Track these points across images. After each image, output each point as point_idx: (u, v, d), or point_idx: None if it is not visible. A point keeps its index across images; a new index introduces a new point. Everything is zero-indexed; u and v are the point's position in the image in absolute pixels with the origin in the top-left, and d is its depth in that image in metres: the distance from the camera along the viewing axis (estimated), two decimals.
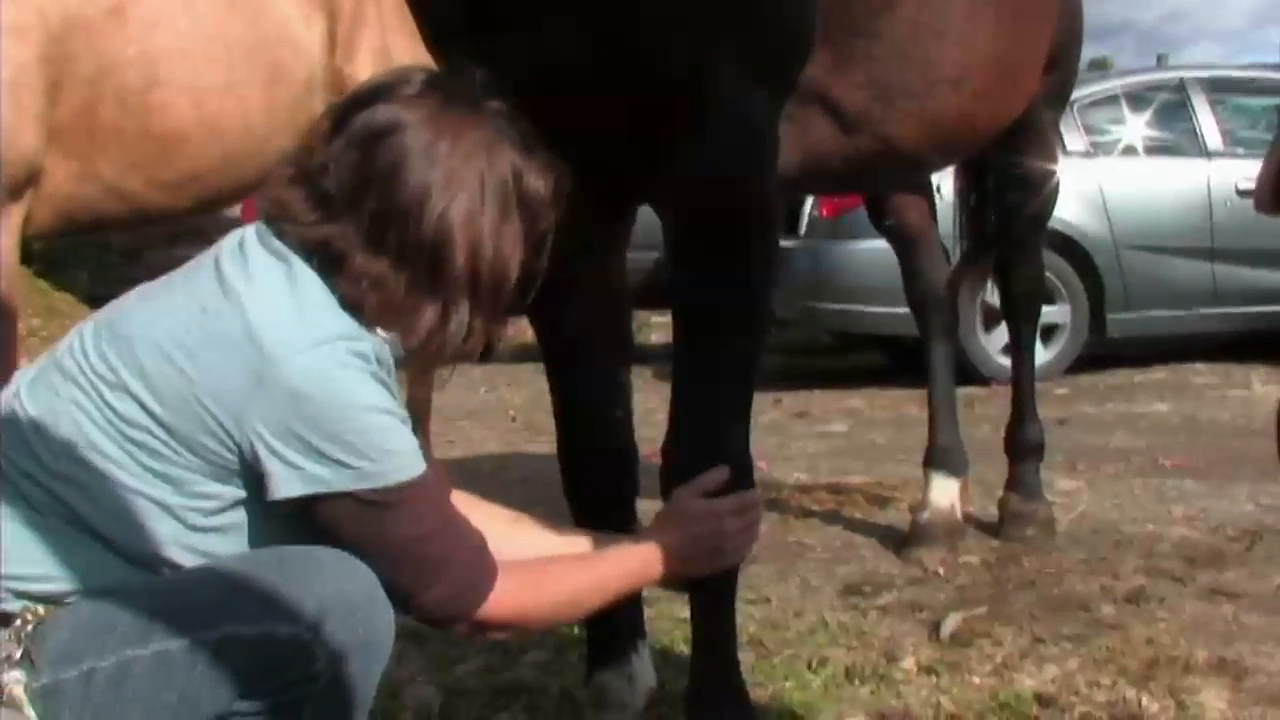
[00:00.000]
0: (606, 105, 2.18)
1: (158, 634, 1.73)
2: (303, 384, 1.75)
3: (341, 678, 1.79)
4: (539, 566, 2.00)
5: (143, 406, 1.77)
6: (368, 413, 1.79)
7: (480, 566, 1.89)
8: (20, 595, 1.76)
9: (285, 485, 1.77)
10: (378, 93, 1.88)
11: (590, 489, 2.61)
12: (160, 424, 1.77)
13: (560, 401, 2.63)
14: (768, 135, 2.33)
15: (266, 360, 1.74)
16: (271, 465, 1.76)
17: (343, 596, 1.78)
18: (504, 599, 1.90)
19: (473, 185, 1.84)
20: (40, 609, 1.76)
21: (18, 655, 1.71)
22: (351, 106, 1.89)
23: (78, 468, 1.78)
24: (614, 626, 2.66)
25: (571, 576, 2.04)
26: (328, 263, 1.82)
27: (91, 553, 1.79)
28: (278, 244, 1.84)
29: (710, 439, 2.31)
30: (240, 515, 1.83)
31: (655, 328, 9.89)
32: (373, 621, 1.81)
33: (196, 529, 1.81)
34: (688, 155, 2.21)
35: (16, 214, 3.33)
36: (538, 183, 1.90)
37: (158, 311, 1.85)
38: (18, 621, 1.74)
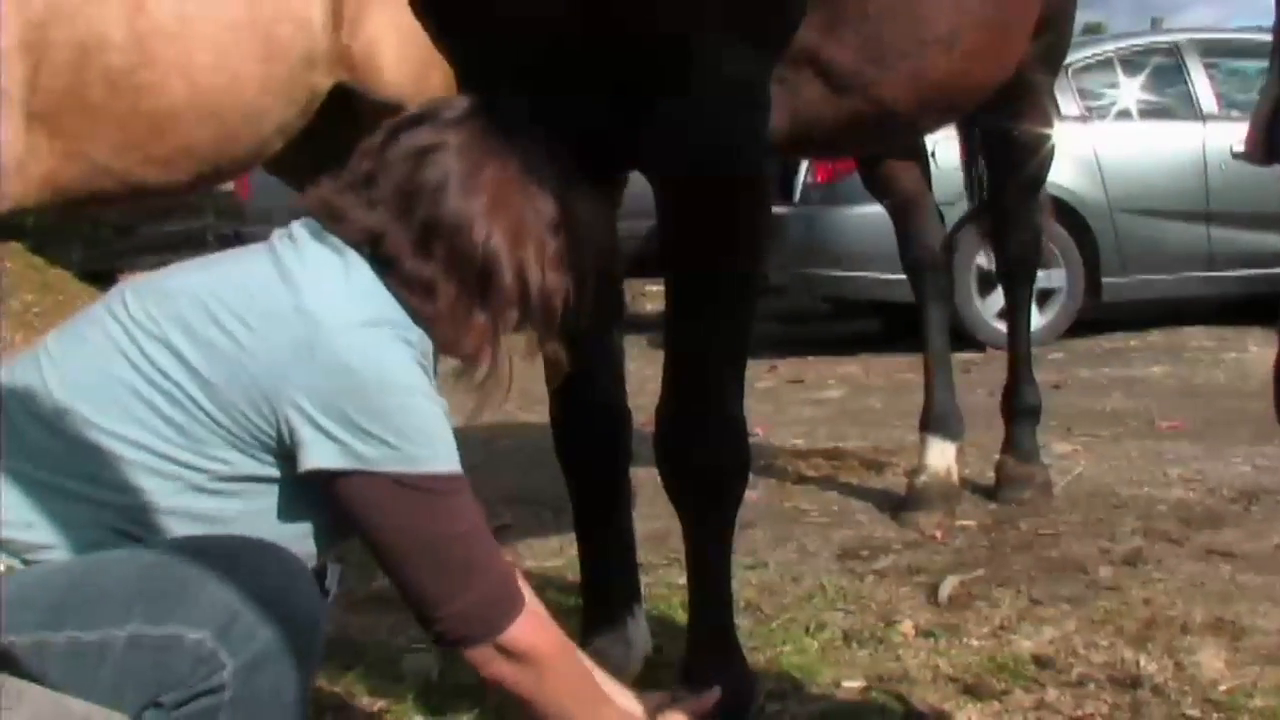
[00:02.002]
0: (592, 65, 2.16)
1: (71, 620, 1.67)
2: (352, 359, 1.74)
3: (254, 684, 1.68)
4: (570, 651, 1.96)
5: (181, 360, 1.76)
6: (415, 396, 1.78)
7: (511, 585, 1.85)
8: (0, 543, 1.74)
9: (321, 456, 1.74)
10: (425, 113, 1.95)
11: (582, 447, 2.60)
12: (196, 380, 1.75)
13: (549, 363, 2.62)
14: (758, 95, 2.30)
15: (317, 332, 1.75)
16: (308, 434, 1.73)
17: (257, 594, 1.69)
18: (529, 629, 1.85)
19: (517, 210, 1.88)
20: (1, 565, 1.72)
21: None
22: (402, 124, 1.94)
23: (89, 408, 1.76)
24: (609, 592, 2.66)
25: (587, 686, 1.96)
26: (379, 261, 1.85)
27: (75, 503, 1.76)
28: (330, 238, 1.87)
29: (703, 402, 2.31)
30: (248, 487, 1.80)
31: (649, 297, 9.88)
32: (290, 616, 1.71)
33: (197, 489, 1.78)
34: (676, 116, 2.19)
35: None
36: (585, 209, 1.95)
37: (208, 278, 1.86)
38: None
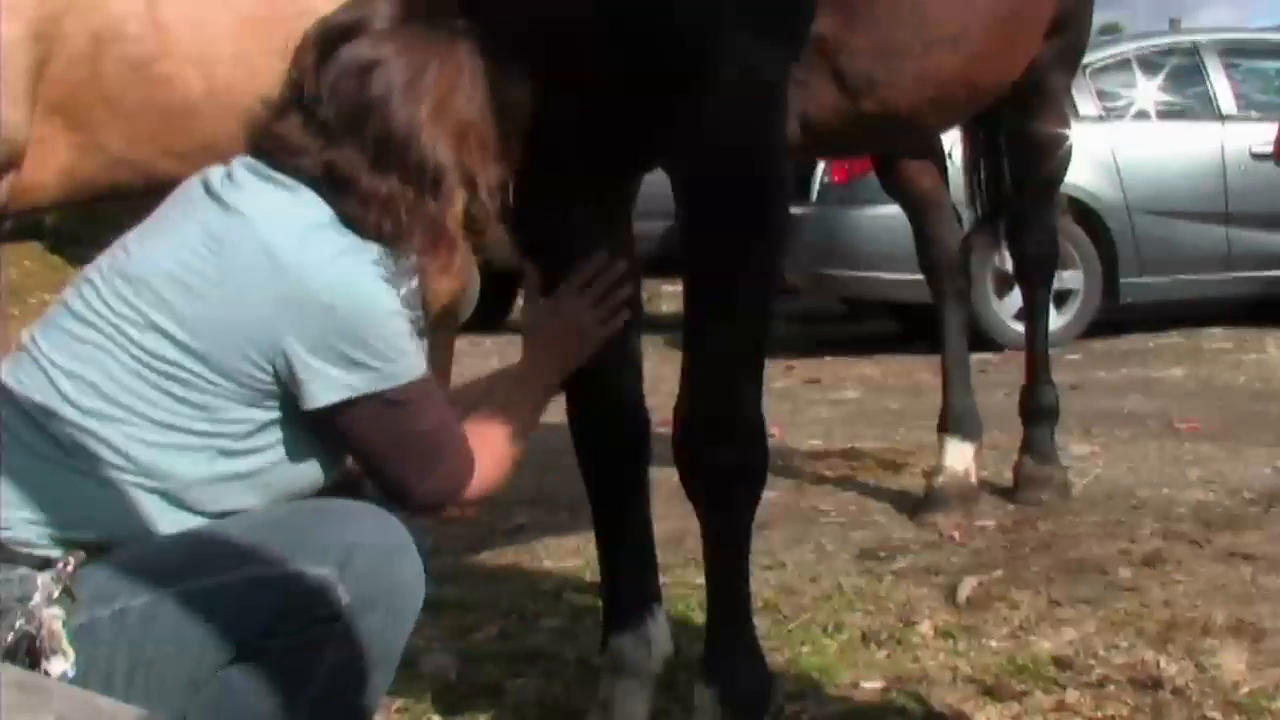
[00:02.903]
0: (609, 64, 2.16)
1: (187, 575, 1.80)
2: (328, 296, 1.85)
3: (365, 623, 1.84)
4: (481, 435, 2.08)
5: (172, 340, 1.85)
6: (389, 316, 1.91)
7: (468, 454, 2.02)
8: (61, 542, 1.82)
9: (320, 394, 1.87)
10: (355, 23, 2.00)
11: (600, 447, 2.60)
12: (190, 354, 1.85)
13: None
14: (777, 92, 2.29)
15: (289, 273, 1.85)
16: (305, 375, 1.86)
17: (371, 545, 1.85)
18: (480, 478, 2.04)
19: (458, 109, 1.96)
20: (82, 554, 1.82)
21: (57, 594, 1.77)
22: (332, 36, 2.00)
23: (110, 408, 1.84)
24: (629, 592, 2.66)
25: (502, 433, 2.12)
26: (333, 185, 1.92)
27: (124, 494, 1.84)
28: (273, 173, 1.94)
29: (722, 403, 2.31)
30: (271, 436, 1.91)
31: (666, 297, 9.87)
32: (400, 573, 1.88)
33: (228, 453, 1.88)
34: (696, 115, 2.19)
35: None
36: (518, 94, 2.05)
37: (165, 247, 1.93)
38: (59, 564, 1.80)
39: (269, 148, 1.97)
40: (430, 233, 1.97)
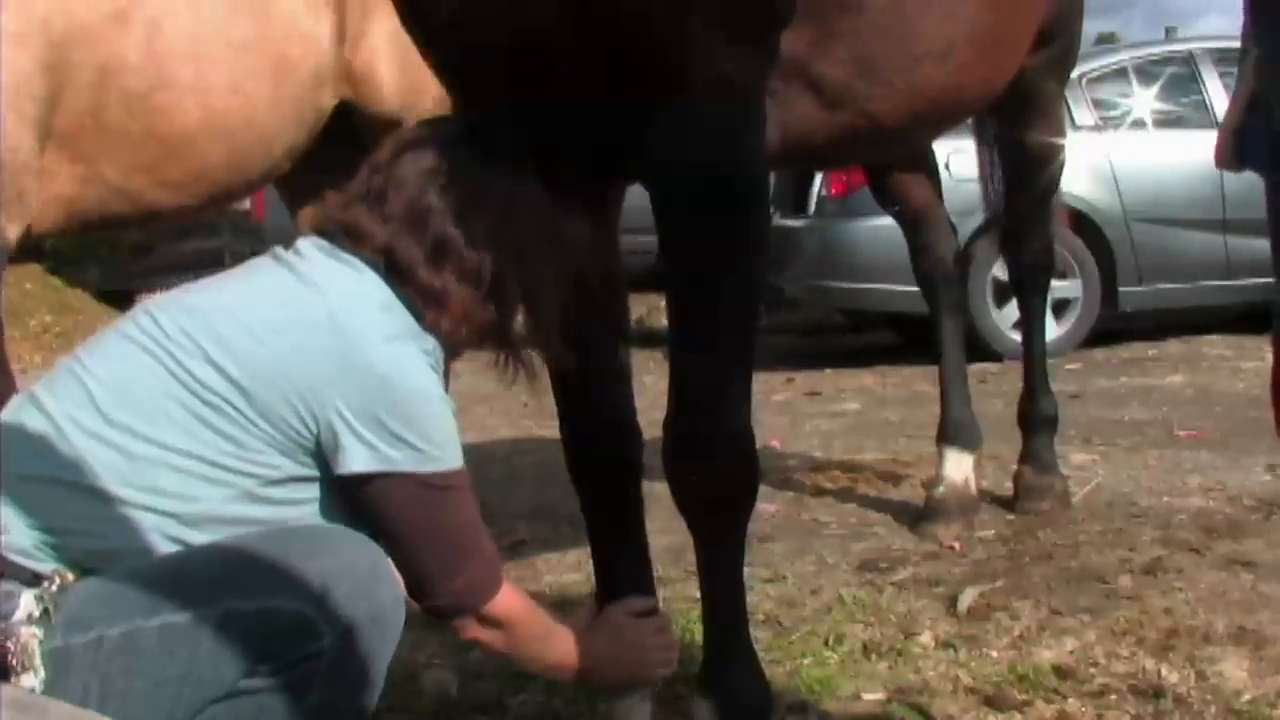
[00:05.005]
0: (585, 75, 2.15)
1: (164, 607, 1.78)
2: (387, 370, 1.91)
3: (348, 653, 1.83)
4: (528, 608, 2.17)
5: (222, 373, 1.88)
6: (436, 403, 1.97)
7: (496, 564, 2.08)
8: (57, 551, 1.83)
9: (357, 461, 1.90)
10: (428, 133, 2.13)
11: (593, 463, 2.60)
12: (239, 390, 1.88)
13: (558, 380, 2.62)
14: (753, 101, 2.29)
15: (352, 343, 1.90)
16: (347, 441, 1.89)
17: (348, 571, 1.85)
18: (508, 601, 2.09)
19: (519, 228, 2.07)
20: (70, 574, 1.82)
21: (38, 613, 1.76)
22: (406, 143, 2.11)
23: (143, 425, 1.86)
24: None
25: (544, 628, 2.18)
26: (394, 272, 2.00)
27: (137, 512, 1.85)
28: (341, 253, 2.01)
29: (709, 415, 2.30)
30: (297, 492, 1.93)
31: (663, 312, 9.88)
32: (379, 596, 1.88)
33: (251, 496, 1.90)
34: (673, 125, 2.18)
35: (14, 226, 3.32)
36: (577, 230, 2.17)
37: (231, 294, 2.00)
38: (46, 582, 1.79)
39: (335, 230, 2.04)
40: (476, 333, 2.09)
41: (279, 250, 2.06)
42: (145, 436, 1.86)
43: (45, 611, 1.76)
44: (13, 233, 3.32)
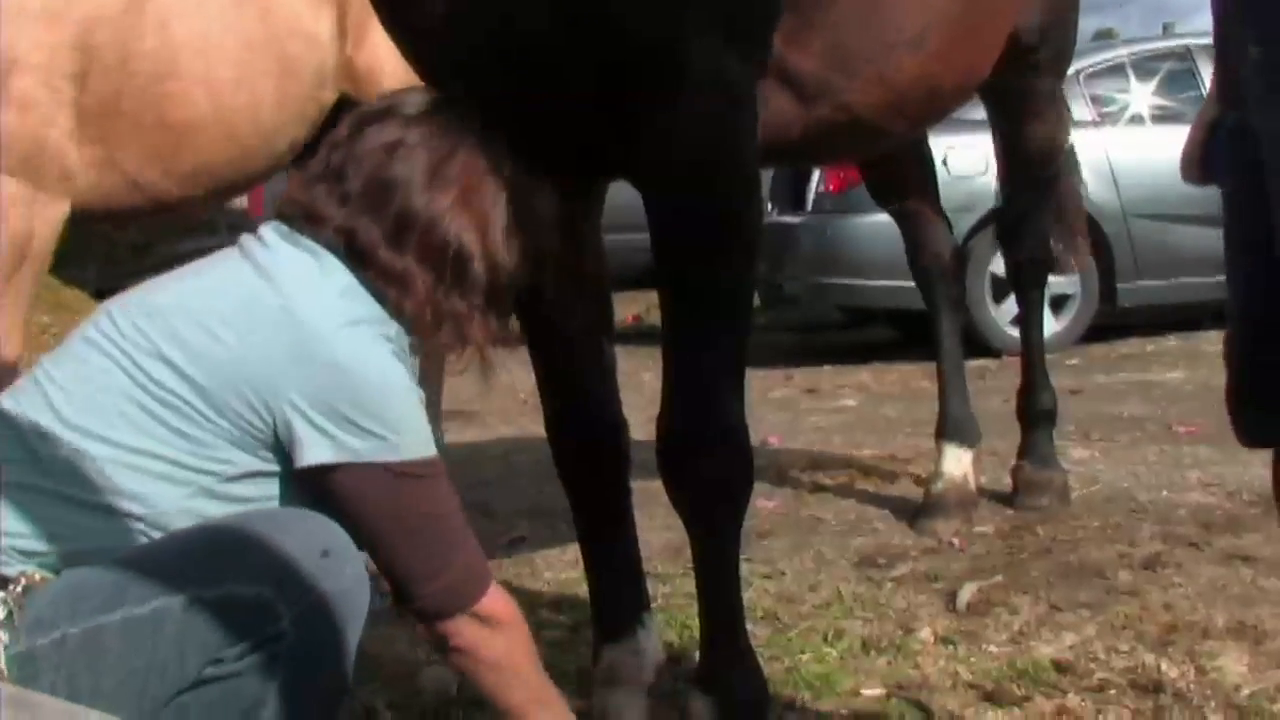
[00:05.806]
0: (573, 73, 2.15)
1: (125, 600, 1.77)
2: (341, 359, 1.86)
3: (311, 632, 1.82)
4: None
5: (177, 371, 1.85)
6: (398, 390, 1.91)
7: (482, 560, 2.00)
8: (26, 555, 1.81)
9: (315, 452, 1.85)
10: (388, 107, 2.06)
11: (581, 461, 2.60)
12: (194, 388, 1.85)
13: (543, 377, 2.61)
14: (746, 98, 2.27)
15: (306, 334, 1.86)
16: (304, 432, 1.85)
17: (307, 551, 1.82)
18: (497, 600, 2.00)
19: (483, 202, 2.01)
20: (37, 575, 1.81)
21: (2, 616, 1.75)
22: (366, 117, 2.05)
23: (98, 424, 1.84)
24: (618, 603, 2.66)
25: (531, 647, 2.08)
26: (354, 255, 1.95)
27: (99, 515, 1.84)
28: (301, 239, 1.96)
29: (702, 412, 2.29)
30: (255, 488, 1.90)
31: None
32: (340, 573, 1.85)
33: (209, 493, 1.87)
34: (663, 123, 2.17)
35: (63, 203, 3.37)
36: (539, 200, 2.10)
37: (190, 289, 1.97)
38: (11, 586, 1.78)
39: (294, 213, 2.00)
40: (456, 331, 2.02)
41: (245, 238, 2.03)
42: (101, 437, 1.84)
43: (10, 615, 1.75)
44: (61, 210, 3.36)
